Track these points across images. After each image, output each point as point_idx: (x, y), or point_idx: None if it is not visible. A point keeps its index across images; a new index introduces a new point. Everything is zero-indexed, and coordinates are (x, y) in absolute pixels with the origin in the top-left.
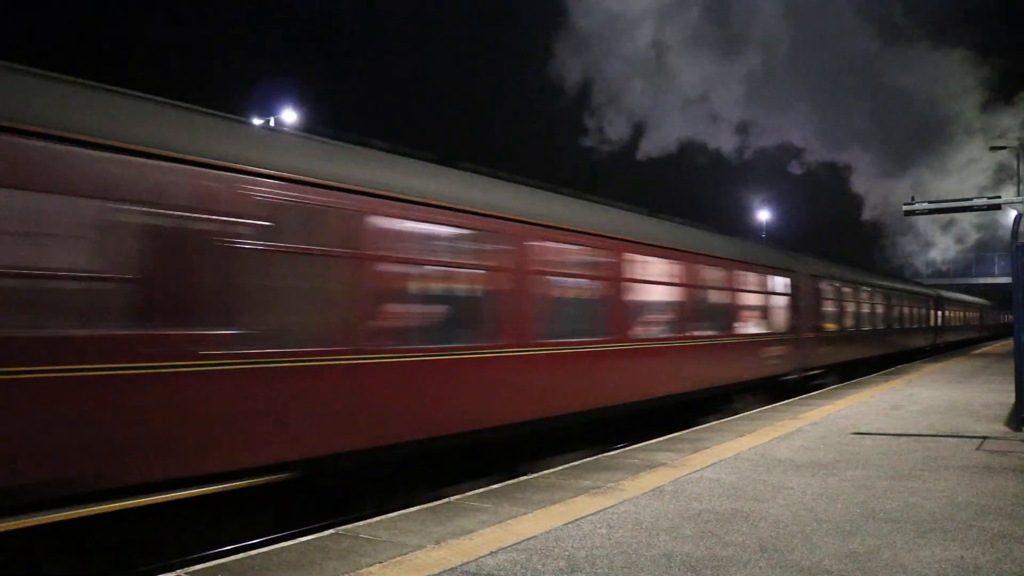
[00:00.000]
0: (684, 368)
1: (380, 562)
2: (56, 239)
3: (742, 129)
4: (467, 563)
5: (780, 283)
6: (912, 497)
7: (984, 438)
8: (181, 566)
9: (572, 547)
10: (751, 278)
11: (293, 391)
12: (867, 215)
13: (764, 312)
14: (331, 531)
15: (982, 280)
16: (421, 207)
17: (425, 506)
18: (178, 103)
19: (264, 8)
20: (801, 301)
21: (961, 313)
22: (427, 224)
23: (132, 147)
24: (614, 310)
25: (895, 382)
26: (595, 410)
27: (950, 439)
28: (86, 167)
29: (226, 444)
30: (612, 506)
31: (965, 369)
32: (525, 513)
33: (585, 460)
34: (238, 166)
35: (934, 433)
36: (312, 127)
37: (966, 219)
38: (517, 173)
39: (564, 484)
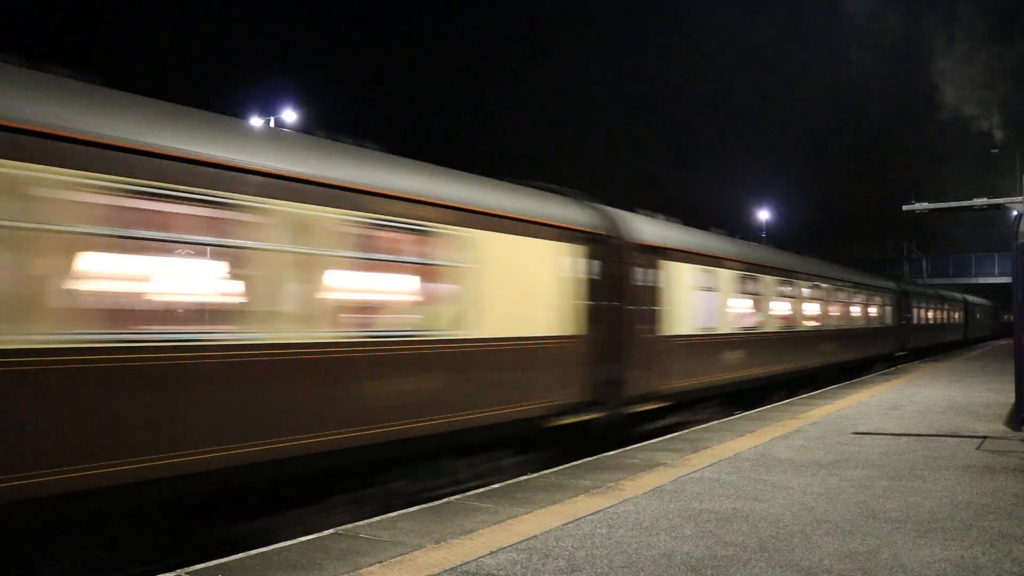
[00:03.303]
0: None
1: (380, 562)
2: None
3: None
4: (467, 563)
5: (889, 296)
6: (912, 497)
7: (984, 438)
8: (181, 566)
9: (572, 547)
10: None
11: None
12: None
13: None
14: (331, 531)
15: (982, 280)
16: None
17: (425, 506)
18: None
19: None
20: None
21: (983, 315)
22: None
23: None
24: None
25: (895, 382)
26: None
27: (950, 439)
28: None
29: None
30: (612, 506)
31: (965, 369)
32: (525, 513)
33: (585, 460)
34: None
35: (934, 433)
36: (311, 128)
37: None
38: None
39: (564, 484)
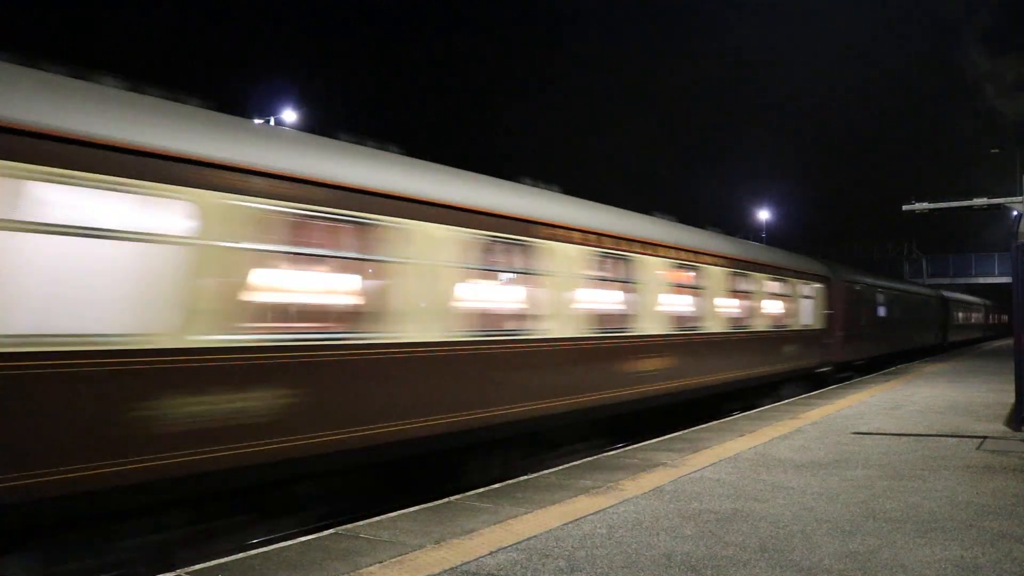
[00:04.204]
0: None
1: (380, 562)
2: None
3: None
4: (467, 563)
5: (984, 307)
6: (912, 497)
7: (984, 438)
8: (181, 566)
9: (572, 547)
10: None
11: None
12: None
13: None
14: (331, 531)
15: (982, 280)
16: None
17: (425, 506)
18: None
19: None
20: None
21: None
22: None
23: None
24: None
25: (895, 382)
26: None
27: (950, 439)
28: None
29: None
30: (612, 506)
31: (965, 368)
32: (525, 513)
33: (585, 460)
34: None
35: (934, 433)
36: (312, 128)
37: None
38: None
39: (564, 484)
